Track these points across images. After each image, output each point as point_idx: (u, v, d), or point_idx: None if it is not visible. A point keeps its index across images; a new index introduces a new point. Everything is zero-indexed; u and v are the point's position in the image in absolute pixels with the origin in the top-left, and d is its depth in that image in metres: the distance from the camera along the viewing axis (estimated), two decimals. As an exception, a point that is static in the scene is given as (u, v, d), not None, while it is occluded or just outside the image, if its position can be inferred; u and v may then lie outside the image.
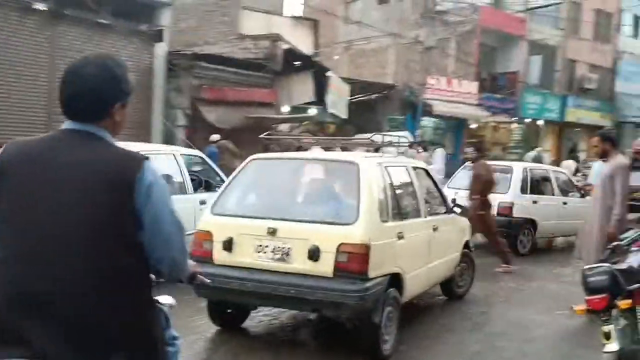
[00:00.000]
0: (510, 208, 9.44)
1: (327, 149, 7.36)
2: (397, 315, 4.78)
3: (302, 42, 19.73)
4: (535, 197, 9.81)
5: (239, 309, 5.28)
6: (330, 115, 18.94)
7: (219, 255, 4.66)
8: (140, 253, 1.79)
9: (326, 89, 18.22)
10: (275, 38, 16.56)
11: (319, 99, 18.34)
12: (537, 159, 25.53)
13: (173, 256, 1.88)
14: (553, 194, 10.29)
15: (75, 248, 1.68)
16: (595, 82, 29.85)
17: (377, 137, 7.03)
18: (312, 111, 18.48)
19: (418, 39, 22.08)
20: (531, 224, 9.77)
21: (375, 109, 22.51)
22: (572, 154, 31.92)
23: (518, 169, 10.17)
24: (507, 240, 8.84)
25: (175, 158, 7.33)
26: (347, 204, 4.67)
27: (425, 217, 5.50)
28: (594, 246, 5.95)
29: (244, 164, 5.32)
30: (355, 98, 21.93)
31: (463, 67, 24.10)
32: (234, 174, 5.28)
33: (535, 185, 10.11)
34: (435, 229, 5.58)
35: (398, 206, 5.07)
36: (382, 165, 5.07)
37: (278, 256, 4.49)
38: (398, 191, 5.25)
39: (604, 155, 6.11)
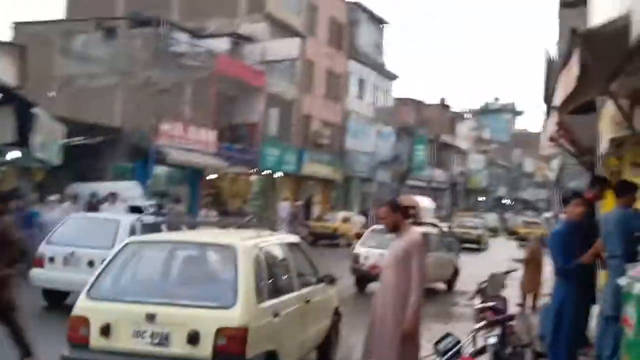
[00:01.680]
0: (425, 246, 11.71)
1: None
2: None
3: (4, 71, 16.17)
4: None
5: None
6: (37, 160, 15.58)
7: (96, 341, 4.65)
8: None
9: (32, 129, 14.92)
10: (-45, 59, 12.94)
11: (23, 141, 14.90)
12: (294, 214, 25.34)
13: None
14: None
15: None
16: (328, 138, 31.45)
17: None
18: (14, 154, 14.94)
19: (150, 80, 20.09)
20: None
21: (100, 155, 19.64)
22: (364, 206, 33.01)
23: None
24: None
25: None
26: (226, 288, 4.77)
27: (298, 290, 5.73)
28: (388, 346, 4.59)
29: (119, 247, 5.39)
30: (74, 141, 18.82)
31: (201, 114, 22.80)
32: (109, 257, 5.25)
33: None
34: (307, 302, 5.82)
35: (274, 285, 5.27)
36: (259, 246, 5.26)
37: (157, 341, 4.54)
38: (274, 270, 5.46)
39: (395, 229, 4.87)
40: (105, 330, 4.59)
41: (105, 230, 9.00)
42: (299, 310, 5.59)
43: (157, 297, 4.84)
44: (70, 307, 4.94)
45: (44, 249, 9.14)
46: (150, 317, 4.53)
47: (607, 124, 6.76)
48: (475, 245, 26.74)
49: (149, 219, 7.39)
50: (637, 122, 5.36)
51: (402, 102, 42.19)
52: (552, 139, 6.32)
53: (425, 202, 27.81)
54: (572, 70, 3.58)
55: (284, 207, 26.33)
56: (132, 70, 20.79)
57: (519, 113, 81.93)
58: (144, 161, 19.89)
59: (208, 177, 23.61)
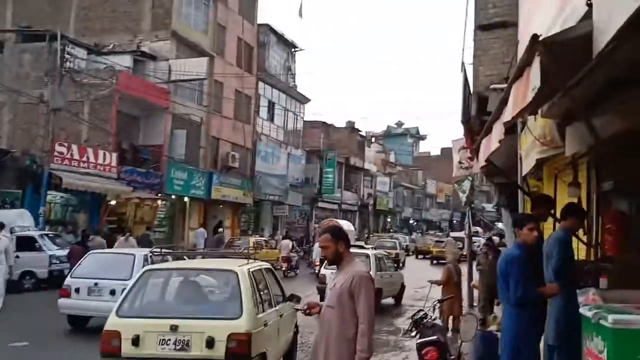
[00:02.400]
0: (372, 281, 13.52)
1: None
2: None
3: None
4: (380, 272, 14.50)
5: None
6: None
7: (127, 349, 5.70)
8: None
9: None
10: None
11: None
12: (220, 239, 24.06)
13: None
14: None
15: None
16: (238, 161, 30.50)
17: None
18: None
19: (43, 98, 18.38)
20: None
21: (-18, 180, 17.63)
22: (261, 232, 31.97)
23: (372, 253, 14.91)
24: None
25: None
26: (233, 303, 6.11)
27: (275, 306, 6.92)
28: None
29: (139, 274, 6.67)
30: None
31: (100, 135, 21.21)
32: (131, 283, 6.59)
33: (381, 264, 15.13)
34: (281, 316, 6.98)
35: (262, 300, 6.51)
36: (250, 270, 6.56)
37: (180, 346, 5.68)
38: (260, 289, 6.66)
39: (336, 261, 4.11)
40: (135, 341, 5.67)
41: (123, 263, 10.37)
42: (276, 322, 6.83)
43: (177, 313, 6.07)
44: (90, 330, 6.62)
45: (70, 282, 10.55)
46: (174, 328, 5.66)
47: (527, 144, 6.58)
48: (395, 264, 27.08)
49: (157, 251, 8.45)
50: (569, 143, 5.15)
51: (312, 125, 42.06)
52: (487, 161, 5.87)
53: (347, 226, 27.55)
54: (529, 81, 3.18)
55: (201, 233, 25.26)
56: (21, 88, 18.94)
57: (422, 137, 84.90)
58: (36, 187, 18.04)
59: (110, 203, 21.88)
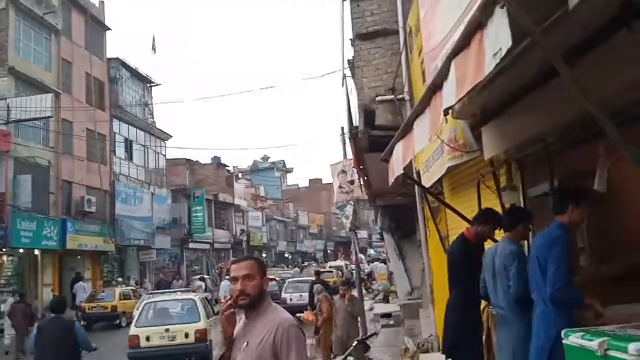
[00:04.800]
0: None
1: None
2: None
3: None
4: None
5: None
6: None
7: (143, 343, 11.78)
8: (78, 347, 7.71)
9: None
10: None
11: None
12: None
13: (87, 347, 7.77)
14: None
15: (60, 352, 7.63)
16: (95, 205, 28.03)
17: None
18: None
19: None
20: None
21: None
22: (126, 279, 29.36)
23: (317, 286, 17.86)
24: None
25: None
26: (195, 314, 12.44)
27: (213, 316, 12.85)
28: None
29: (142, 305, 13.29)
30: None
31: None
32: (140, 308, 13.15)
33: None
34: (214, 322, 12.14)
35: (207, 312, 12.86)
36: (200, 297, 13.70)
37: (170, 339, 11.85)
38: (205, 306, 13.09)
39: (256, 303, 2.86)
40: (147, 339, 11.83)
41: None
42: (213, 326, 12.15)
43: (167, 322, 12.34)
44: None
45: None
46: (167, 330, 11.97)
47: (429, 153, 6.11)
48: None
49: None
50: (486, 145, 4.66)
51: (175, 162, 40.20)
52: (407, 175, 5.04)
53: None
54: (483, 47, 2.48)
55: (81, 287, 23.87)
56: None
57: (289, 170, 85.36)
58: None
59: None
